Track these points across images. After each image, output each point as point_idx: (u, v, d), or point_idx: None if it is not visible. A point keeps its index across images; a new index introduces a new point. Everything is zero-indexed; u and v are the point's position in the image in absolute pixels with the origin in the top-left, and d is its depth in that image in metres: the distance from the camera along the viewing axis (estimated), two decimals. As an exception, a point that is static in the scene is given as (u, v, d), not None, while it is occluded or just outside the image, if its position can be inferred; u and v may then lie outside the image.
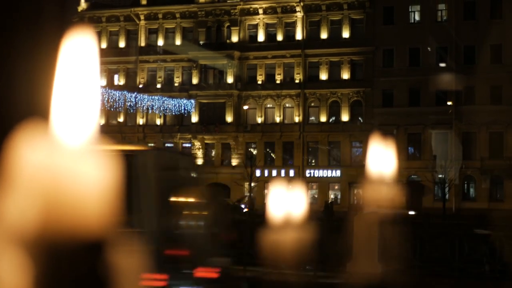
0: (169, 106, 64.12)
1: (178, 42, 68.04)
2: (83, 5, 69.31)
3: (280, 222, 2.62)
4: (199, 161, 59.62)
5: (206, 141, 66.14)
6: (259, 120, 65.38)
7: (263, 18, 65.90)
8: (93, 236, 0.84)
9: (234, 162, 64.69)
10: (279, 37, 65.52)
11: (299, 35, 64.86)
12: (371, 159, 3.21)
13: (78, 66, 0.89)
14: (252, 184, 59.48)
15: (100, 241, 0.86)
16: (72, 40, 0.90)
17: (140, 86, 67.85)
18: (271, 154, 65.10)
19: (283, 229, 2.52)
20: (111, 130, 61.97)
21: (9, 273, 0.80)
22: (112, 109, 59.27)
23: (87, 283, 0.88)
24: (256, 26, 66.41)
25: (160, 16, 68.83)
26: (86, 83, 0.90)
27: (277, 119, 65.08)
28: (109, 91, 58.55)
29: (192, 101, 65.27)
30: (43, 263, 0.82)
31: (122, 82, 68.34)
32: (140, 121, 68.20)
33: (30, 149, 0.80)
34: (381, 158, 3.21)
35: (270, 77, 65.58)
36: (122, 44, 69.46)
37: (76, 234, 0.81)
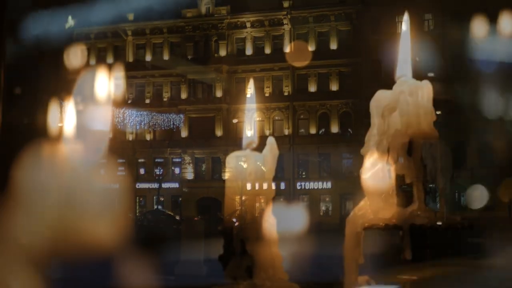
0: (158, 121, 64.06)
1: (166, 57, 68.03)
2: (70, 22, 69.16)
3: (275, 234, 2.60)
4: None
5: (196, 156, 66.03)
6: (249, 133, 65.23)
7: (251, 32, 66.00)
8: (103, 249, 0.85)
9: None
10: (267, 50, 65.61)
11: (287, 48, 64.99)
12: (366, 171, 3.20)
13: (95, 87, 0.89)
14: (243, 198, 59.27)
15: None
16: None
17: (129, 101, 67.74)
18: (261, 167, 64.93)
19: (278, 242, 2.50)
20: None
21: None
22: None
23: None
24: (243, 40, 66.50)
25: (147, 31, 68.82)
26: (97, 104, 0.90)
27: (267, 132, 65.06)
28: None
29: (181, 115, 65.22)
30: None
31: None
32: (130, 137, 68.03)
33: (36, 168, 0.81)
34: (377, 169, 3.20)
35: (258, 90, 65.61)
36: (110, 60, 69.38)
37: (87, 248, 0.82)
